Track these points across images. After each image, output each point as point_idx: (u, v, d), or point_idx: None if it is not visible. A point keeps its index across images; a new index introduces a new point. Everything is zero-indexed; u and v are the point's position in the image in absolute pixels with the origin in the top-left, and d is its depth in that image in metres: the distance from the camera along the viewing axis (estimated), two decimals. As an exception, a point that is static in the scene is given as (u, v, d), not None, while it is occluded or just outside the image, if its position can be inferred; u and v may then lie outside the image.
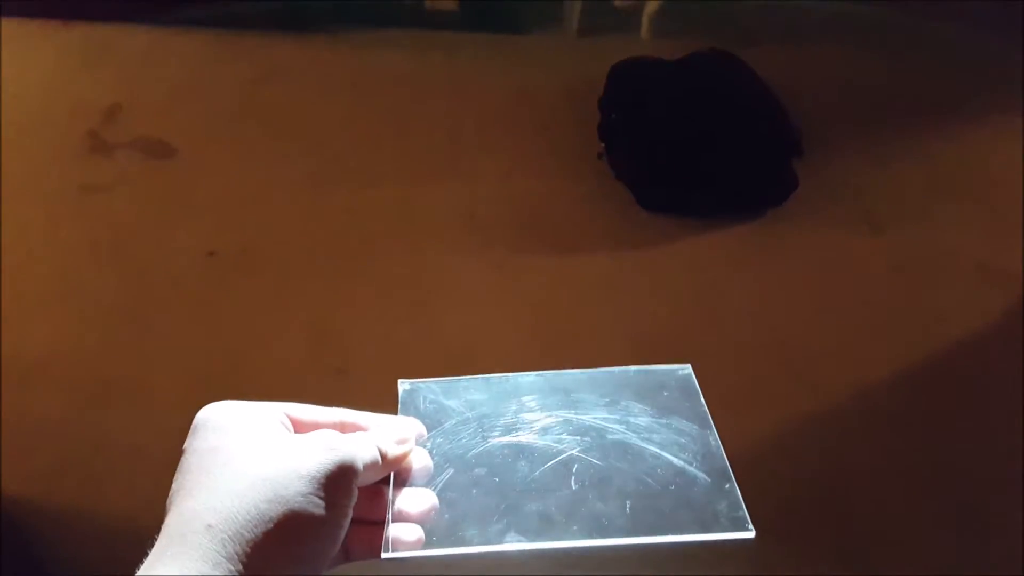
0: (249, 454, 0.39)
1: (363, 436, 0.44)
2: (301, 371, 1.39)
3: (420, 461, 0.47)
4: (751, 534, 0.44)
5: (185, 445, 0.41)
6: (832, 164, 1.76)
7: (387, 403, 0.51)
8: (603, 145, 1.73)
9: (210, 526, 0.36)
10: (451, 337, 1.44)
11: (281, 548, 0.37)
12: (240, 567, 0.36)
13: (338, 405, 0.50)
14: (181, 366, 1.40)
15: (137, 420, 1.32)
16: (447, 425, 0.50)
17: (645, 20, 2.12)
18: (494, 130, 1.86)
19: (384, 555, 0.43)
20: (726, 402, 1.36)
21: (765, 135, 1.69)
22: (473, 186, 1.73)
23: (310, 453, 0.40)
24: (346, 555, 0.44)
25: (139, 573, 0.35)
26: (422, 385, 0.53)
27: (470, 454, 0.48)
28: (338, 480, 0.40)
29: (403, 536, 0.44)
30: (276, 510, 0.37)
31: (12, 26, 2.16)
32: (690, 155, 1.63)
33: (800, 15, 2.18)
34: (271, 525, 0.37)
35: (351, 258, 1.58)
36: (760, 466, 1.25)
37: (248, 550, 0.36)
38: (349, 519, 0.41)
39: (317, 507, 0.38)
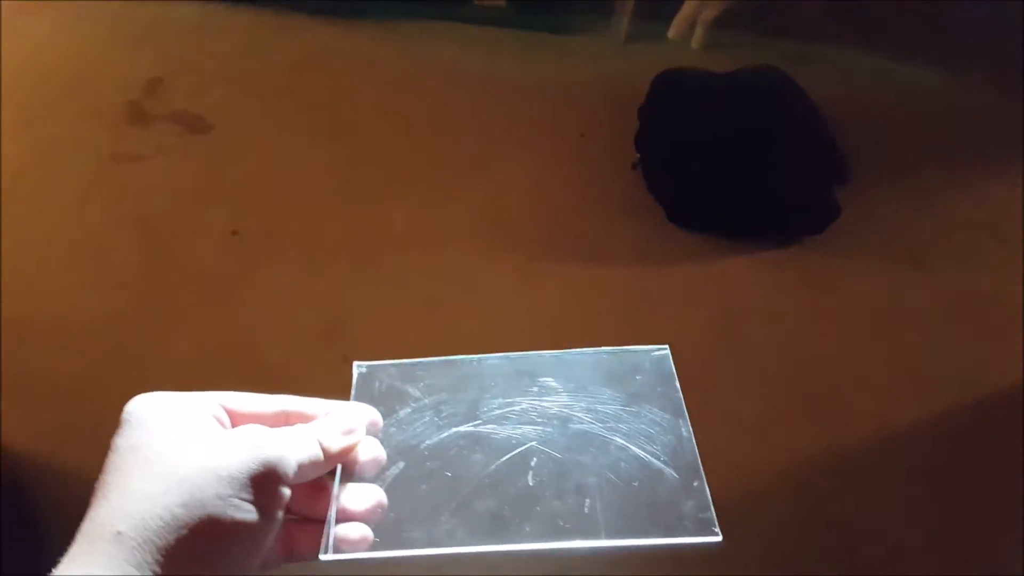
0: (169, 452, 0.37)
1: (301, 431, 0.41)
2: (310, 356, 1.38)
3: (370, 453, 0.45)
4: (718, 538, 0.41)
5: (112, 441, 0.39)
6: (878, 195, 1.68)
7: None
8: (638, 156, 1.68)
9: (119, 533, 0.34)
10: (463, 338, 1.41)
11: (197, 556, 0.35)
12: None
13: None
14: (195, 339, 1.41)
15: (147, 387, 1.32)
16: (402, 413, 0.48)
17: (699, 29, 2.05)
18: (529, 131, 1.83)
19: (322, 556, 0.41)
20: (741, 430, 1.32)
21: (809, 159, 1.62)
22: (502, 186, 1.69)
23: (232, 451, 0.37)
24: (289, 555, 0.42)
25: None
26: (379, 368, 0.50)
27: (424, 445, 0.46)
28: (263, 481, 0.37)
29: (346, 535, 0.41)
30: (191, 515, 0.35)
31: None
32: (727, 173, 1.58)
33: (859, 41, 2.10)
34: (185, 531, 0.34)
35: (372, 249, 1.56)
36: (769, 504, 1.20)
37: (160, 559, 0.34)
38: (278, 524, 0.38)
39: (238, 511, 0.36)
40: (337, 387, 0.49)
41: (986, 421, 1.33)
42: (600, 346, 0.52)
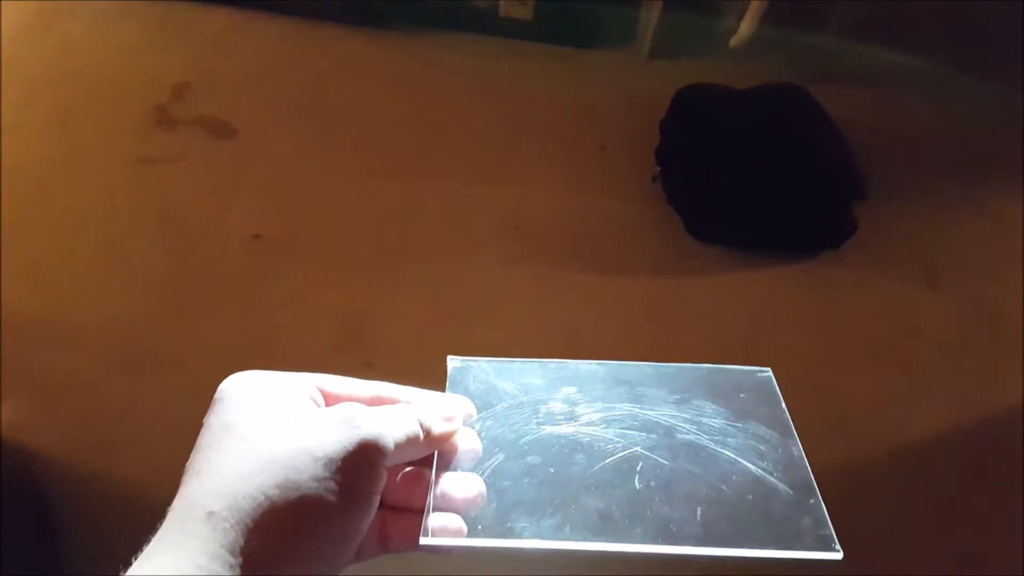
0: (264, 432, 0.36)
1: (400, 409, 0.40)
2: (329, 361, 1.38)
3: (467, 443, 0.43)
4: (839, 555, 0.40)
5: (204, 419, 0.38)
6: (895, 213, 1.69)
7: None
8: (658, 168, 1.70)
9: (211, 513, 0.33)
10: (481, 346, 1.42)
11: (291, 540, 0.34)
12: (241, 560, 0.32)
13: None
14: (214, 343, 1.42)
15: (164, 391, 1.35)
16: (498, 408, 0.46)
17: (745, 23, 2.04)
18: (550, 142, 1.85)
19: (423, 541, 0.39)
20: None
21: (827, 175, 1.63)
22: (522, 197, 1.71)
23: (329, 430, 0.36)
24: (384, 546, 0.41)
25: (135, 561, 0.33)
26: (473, 364, 0.49)
27: (523, 440, 0.44)
28: (360, 461, 0.36)
29: (446, 523, 0.40)
30: (287, 496, 0.34)
31: (100, -3, 2.24)
32: (746, 187, 1.59)
33: (882, 60, 2.10)
34: (280, 514, 0.33)
35: (392, 256, 1.58)
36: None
37: (253, 542, 0.33)
38: (375, 507, 0.37)
39: (334, 494, 0.35)
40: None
41: (999, 443, 1.33)
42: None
